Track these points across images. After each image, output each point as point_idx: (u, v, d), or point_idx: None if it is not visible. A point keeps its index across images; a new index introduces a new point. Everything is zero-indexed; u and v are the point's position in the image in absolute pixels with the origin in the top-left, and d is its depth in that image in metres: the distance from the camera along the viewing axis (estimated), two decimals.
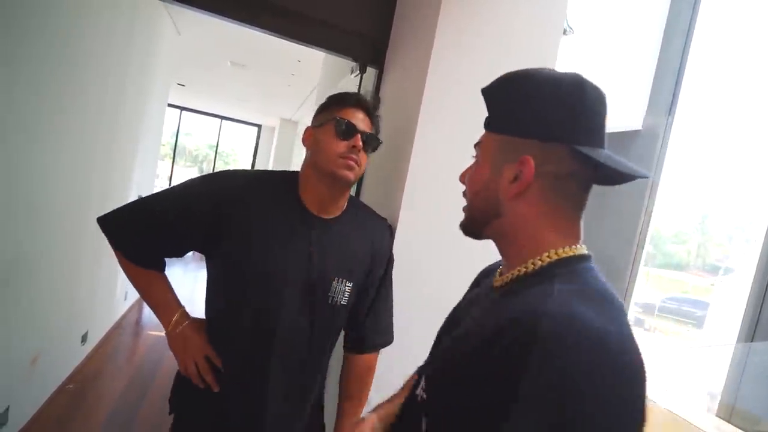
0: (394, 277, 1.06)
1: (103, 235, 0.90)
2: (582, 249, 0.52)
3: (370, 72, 1.42)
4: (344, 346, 1.03)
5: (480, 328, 0.50)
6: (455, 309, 0.69)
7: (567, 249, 0.51)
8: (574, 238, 0.52)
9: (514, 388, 0.40)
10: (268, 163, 8.68)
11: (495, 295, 0.55)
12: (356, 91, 1.45)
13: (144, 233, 0.88)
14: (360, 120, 0.91)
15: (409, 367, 1.17)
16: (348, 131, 0.88)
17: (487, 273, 0.71)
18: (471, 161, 1.16)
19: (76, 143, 2.12)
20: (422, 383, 0.56)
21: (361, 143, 0.88)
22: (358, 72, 1.42)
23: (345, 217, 0.94)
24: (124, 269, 0.93)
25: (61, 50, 1.79)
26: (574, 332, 0.40)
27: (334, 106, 0.92)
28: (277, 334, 0.87)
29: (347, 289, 0.92)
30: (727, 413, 2.75)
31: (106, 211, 0.89)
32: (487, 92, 0.57)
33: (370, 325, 1.00)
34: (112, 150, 2.69)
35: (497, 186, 0.53)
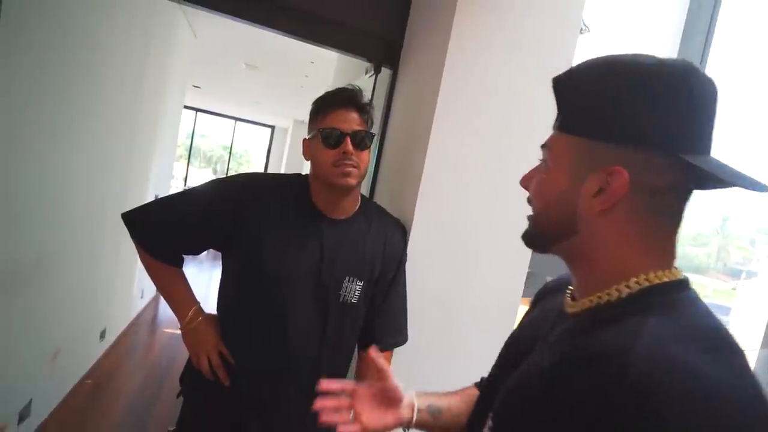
0: (408, 277, 1.06)
1: (121, 234, 0.93)
2: (678, 273, 0.44)
3: (385, 72, 1.43)
4: (358, 345, 1.03)
5: (558, 361, 0.43)
6: (519, 335, 0.61)
7: (660, 273, 0.42)
8: (669, 261, 0.44)
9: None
10: (281, 164, 8.76)
11: (569, 323, 0.48)
12: (371, 92, 1.46)
13: (164, 230, 0.92)
14: (347, 120, 0.89)
15: (423, 367, 1.17)
16: (334, 138, 0.87)
17: (551, 291, 0.63)
18: (486, 162, 1.16)
19: (97, 146, 2.17)
20: (489, 422, 0.49)
21: (351, 147, 0.87)
22: (373, 72, 1.43)
23: (357, 217, 0.96)
24: (143, 263, 0.96)
25: (81, 56, 1.84)
26: (671, 376, 0.33)
27: (319, 113, 0.91)
28: (289, 331, 0.89)
29: (358, 287, 0.93)
30: None
31: (123, 211, 0.93)
32: (561, 84, 0.48)
33: (382, 325, 1.01)
34: (131, 152, 2.75)
35: (576, 199, 0.45)
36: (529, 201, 0.52)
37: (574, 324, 0.47)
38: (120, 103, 2.40)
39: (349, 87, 0.94)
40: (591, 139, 0.44)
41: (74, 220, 2.07)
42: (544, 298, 0.63)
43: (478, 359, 1.21)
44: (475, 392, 0.70)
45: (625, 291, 0.43)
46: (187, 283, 0.98)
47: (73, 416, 2.16)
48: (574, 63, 1.28)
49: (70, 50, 1.73)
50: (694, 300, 0.42)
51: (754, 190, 0.40)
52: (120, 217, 0.93)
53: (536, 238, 0.51)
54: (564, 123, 0.47)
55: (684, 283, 0.43)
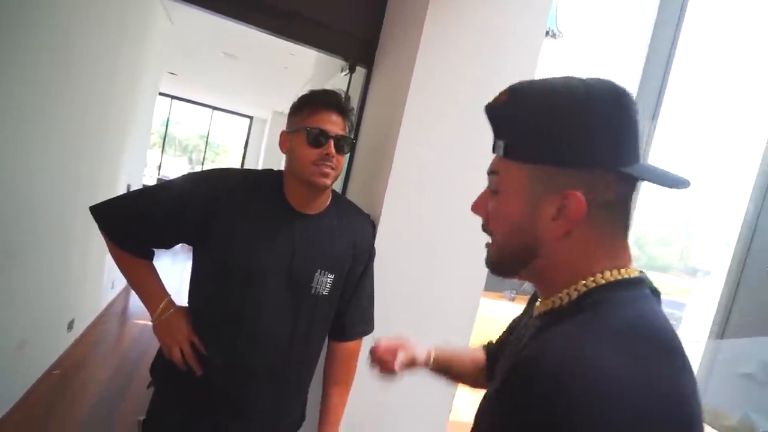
0: (375, 270, 1.11)
1: (92, 223, 0.93)
2: (632, 271, 0.45)
3: (359, 71, 1.46)
4: (329, 335, 1.08)
5: (513, 362, 0.46)
6: (507, 329, 0.71)
7: (608, 273, 0.44)
8: (623, 260, 0.46)
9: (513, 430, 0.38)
10: (259, 155, 8.64)
11: (534, 326, 0.50)
12: (345, 89, 1.50)
13: (135, 224, 0.92)
14: (332, 123, 0.92)
15: None
16: (319, 139, 0.90)
17: (519, 319, 0.70)
18: (453, 161, 1.22)
19: (68, 131, 2.12)
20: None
21: (333, 150, 0.90)
22: (348, 71, 1.46)
23: (328, 212, 0.99)
24: (113, 256, 0.97)
25: (51, 38, 1.79)
26: (572, 372, 0.35)
27: (305, 110, 0.93)
28: (261, 323, 0.92)
29: (329, 280, 0.97)
30: None
31: (96, 201, 0.93)
32: (497, 109, 0.49)
33: (351, 315, 1.06)
34: (102, 139, 2.68)
35: (535, 225, 0.46)
36: (484, 228, 0.52)
37: (536, 329, 0.49)
38: (92, 88, 2.34)
39: (335, 91, 0.97)
40: (540, 164, 0.45)
41: (44, 208, 2.02)
42: (523, 318, 0.66)
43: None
44: (482, 357, 0.79)
45: (574, 294, 0.45)
46: (158, 276, 0.99)
47: (38, 408, 2.12)
48: (541, 63, 1.34)
49: (40, 33, 1.69)
50: (628, 299, 0.43)
51: (677, 188, 0.43)
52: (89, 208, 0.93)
53: (501, 265, 0.51)
54: (510, 151, 0.47)
55: (629, 282, 0.44)
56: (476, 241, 1.28)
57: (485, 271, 1.32)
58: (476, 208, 0.53)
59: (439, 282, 1.26)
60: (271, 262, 0.92)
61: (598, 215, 0.44)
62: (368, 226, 1.09)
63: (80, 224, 2.45)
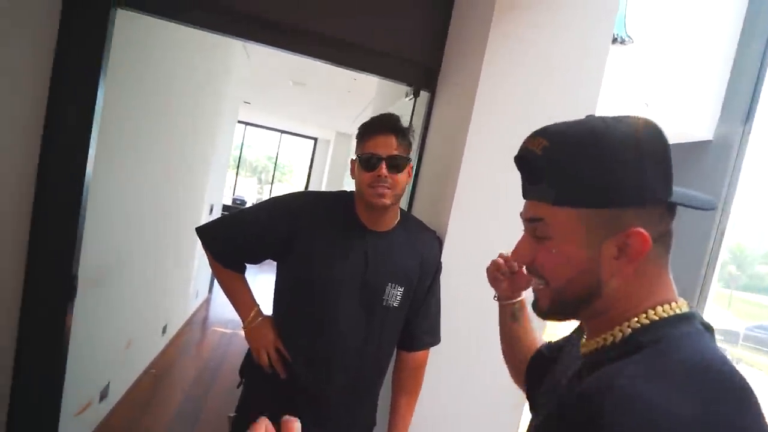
0: (442, 284, 1.16)
1: (180, 239, 1.10)
2: (680, 306, 0.46)
3: (423, 95, 1.55)
4: (398, 344, 1.14)
5: (558, 406, 0.47)
6: (551, 354, 0.66)
7: (660, 309, 0.45)
8: (671, 293, 0.47)
9: None
10: (323, 174, 9.08)
11: (579, 364, 0.51)
12: (410, 113, 1.59)
13: (232, 243, 1.07)
14: (384, 146, 0.99)
15: (454, 366, 1.26)
16: (371, 162, 0.98)
17: (563, 344, 0.68)
18: (514, 180, 1.24)
19: (163, 162, 2.46)
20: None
21: (385, 171, 0.97)
22: (412, 96, 1.55)
23: (397, 230, 1.08)
24: (213, 269, 1.12)
25: (155, 86, 2.11)
26: (641, 418, 0.36)
27: (361, 139, 1.03)
28: (337, 331, 1.01)
29: (399, 293, 1.04)
30: None
31: (187, 220, 1.10)
32: (540, 157, 0.48)
33: (420, 326, 1.11)
34: (192, 168, 3.05)
35: (598, 266, 0.46)
36: (536, 275, 0.51)
37: (581, 366, 0.50)
38: (185, 123, 2.69)
39: (389, 114, 1.05)
40: (597, 207, 0.45)
41: (144, 227, 2.35)
42: (567, 347, 0.64)
43: (503, 363, 1.28)
44: (537, 344, 0.77)
45: (627, 331, 0.46)
46: (249, 287, 1.12)
47: (140, 400, 2.42)
48: (606, 79, 1.32)
49: (146, 82, 2.01)
50: (687, 335, 0.43)
51: (705, 209, 0.45)
52: (181, 228, 1.09)
53: (561, 310, 0.51)
54: (561, 197, 0.47)
55: (683, 318, 0.45)
56: None
57: None
58: (520, 257, 0.52)
59: None
60: (346, 275, 1.01)
61: (656, 249, 0.45)
62: (435, 242, 1.15)
63: (172, 241, 2.79)
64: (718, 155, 3.39)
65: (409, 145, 1.05)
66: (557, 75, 1.24)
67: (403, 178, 1.02)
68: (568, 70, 1.24)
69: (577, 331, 0.64)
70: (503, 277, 0.79)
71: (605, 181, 0.45)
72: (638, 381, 0.38)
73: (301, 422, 1.05)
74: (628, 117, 0.46)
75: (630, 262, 0.45)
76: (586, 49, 1.25)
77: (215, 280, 1.16)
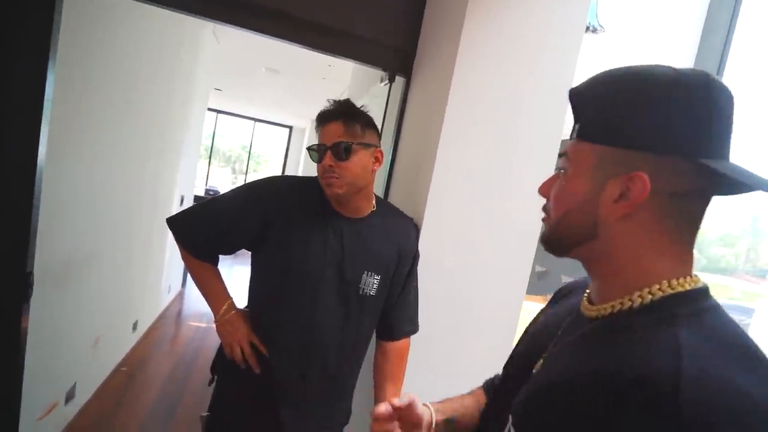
0: (419, 271, 1.15)
1: (152, 232, 1.05)
2: (698, 280, 0.44)
3: (399, 81, 1.52)
4: (377, 336, 1.13)
5: (580, 370, 0.43)
6: (534, 334, 0.61)
7: (682, 281, 0.43)
8: (689, 267, 0.45)
9: None
10: (299, 164, 8.94)
11: (586, 328, 0.48)
12: (386, 99, 1.56)
13: (204, 233, 1.03)
14: (330, 133, 0.96)
15: (432, 355, 1.27)
16: (316, 154, 0.98)
17: (567, 292, 0.64)
18: (492, 165, 1.24)
19: (133, 153, 2.34)
20: (510, 425, 0.49)
21: (329, 161, 0.95)
22: (387, 81, 1.52)
23: (373, 216, 1.06)
24: (185, 261, 1.08)
25: (120, 72, 1.99)
26: (721, 400, 0.34)
27: (316, 129, 1.01)
28: (315, 322, 0.99)
29: (376, 281, 1.03)
30: None
31: (156, 212, 1.05)
32: (578, 94, 0.49)
33: (398, 315, 1.11)
34: (161, 157, 2.92)
35: (597, 204, 0.46)
36: (545, 209, 0.52)
37: (592, 329, 0.47)
38: (153, 111, 2.56)
39: (341, 100, 1.01)
40: (612, 146, 0.45)
41: (112, 220, 2.24)
42: (561, 298, 0.63)
43: (484, 349, 1.30)
44: (482, 399, 0.70)
45: (648, 297, 0.43)
46: (222, 280, 1.08)
47: (111, 399, 2.34)
48: (579, 66, 1.34)
49: (111, 68, 1.89)
50: (717, 310, 0.42)
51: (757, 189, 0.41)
52: (151, 220, 1.03)
53: (556, 242, 0.51)
54: (584, 131, 0.47)
55: (705, 292, 0.43)
56: (517, 243, 1.30)
57: (528, 273, 1.33)
58: (543, 189, 0.53)
59: (481, 284, 1.28)
60: (322, 264, 0.99)
61: (663, 205, 0.43)
62: (412, 228, 1.13)
63: (143, 233, 2.68)
64: None
65: (368, 128, 1.00)
66: (533, 59, 1.23)
67: (355, 164, 0.96)
68: (544, 55, 1.24)
69: (550, 304, 0.64)
70: (392, 426, 0.63)
71: (623, 120, 0.44)
72: (709, 361, 0.37)
73: (278, 417, 1.02)
74: (696, 71, 0.43)
75: (626, 206, 0.44)
76: (562, 33, 1.25)
77: (189, 274, 1.11)
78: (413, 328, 1.15)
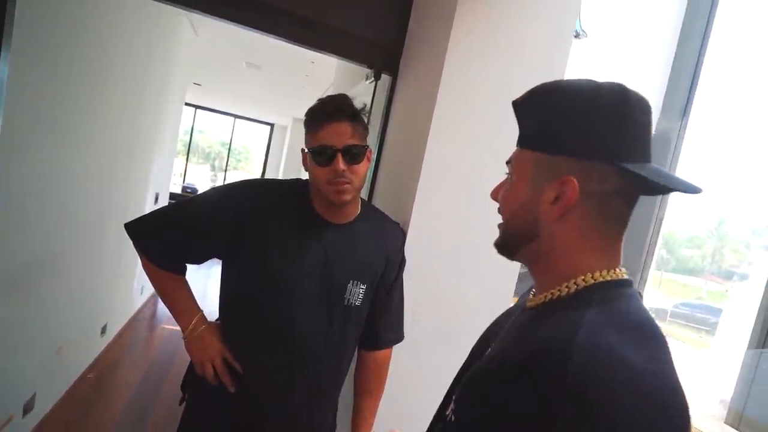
0: (404, 277, 1.10)
1: (121, 232, 0.94)
2: (622, 273, 0.49)
3: (385, 79, 1.47)
4: (359, 344, 1.07)
5: (509, 351, 0.48)
6: (488, 329, 0.66)
7: (605, 273, 0.48)
8: (615, 261, 0.49)
9: (547, 425, 0.38)
10: (280, 162, 8.78)
11: (526, 316, 0.53)
12: (371, 97, 1.50)
13: (168, 239, 0.93)
14: (337, 135, 0.87)
15: (418, 363, 1.22)
16: (326, 158, 0.87)
17: (527, 292, 0.68)
18: (481, 168, 1.20)
19: (102, 146, 2.21)
20: (452, 404, 0.53)
21: (343, 165, 0.86)
22: (373, 79, 1.47)
23: (359, 221, 0.99)
24: (146, 272, 0.97)
25: (89, 58, 1.87)
26: (605, 367, 0.38)
27: (310, 127, 0.90)
28: (295, 334, 0.92)
29: (361, 290, 0.96)
30: (736, 420, 2.74)
31: (128, 211, 0.96)
32: (518, 105, 0.54)
33: (383, 323, 1.05)
34: (134, 152, 2.78)
35: (536, 207, 0.50)
36: (499, 211, 0.57)
37: (528, 316, 0.52)
38: (124, 103, 2.43)
39: (339, 96, 0.92)
40: (546, 153, 0.50)
41: (81, 218, 2.11)
42: (522, 298, 0.67)
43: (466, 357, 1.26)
44: None
45: (573, 287, 0.48)
46: (190, 291, 0.99)
47: (75, 410, 2.20)
48: (570, 67, 1.32)
49: (77, 53, 1.77)
50: (629, 296, 0.47)
51: (687, 192, 0.46)
52: (123, 218, 0.94)
53: (504, 245, 0.56)
54: (522, 140, 0.53)
55: (624, 282, 0.48)
56: None
57: (515, 278, 1.30)
58: (493, 193, 0.58)
59: (468, 291, 1.24)
60: (303, 274, 0.91)
61: (592, 204, 0.48)
62: (398, 234, 1.08)
63: (113, 232, 2.54)
64: (659, 148, 3.63)
65: (365, 128, 0.95)
66: (523, 61, 1.20)
67: (363, 168, 0.92)
68: (534, 57, 1.21)
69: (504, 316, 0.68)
70: None
71: (553, 128, 0.49)
72: (601, 330, 0.41)
73: None
74: (611, 82, 0.48)
75: (560, 208, 0.48)
76: (553, 33, 1.22)
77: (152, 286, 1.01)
78: (397, 337, 1.10)
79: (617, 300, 0.46)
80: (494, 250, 1.27)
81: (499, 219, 0.57)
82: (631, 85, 0.52)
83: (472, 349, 0.66)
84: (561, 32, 1.25)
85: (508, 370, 0.45)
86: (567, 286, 0.49)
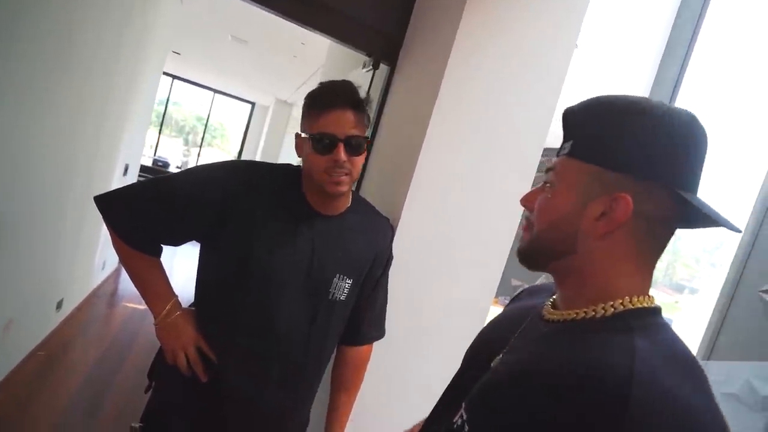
0: (390, 273, 1.07)
1: (87, 201, 0.86)
2: (653, 300, 0.48)
3: (383, 68, 1.42)
4: (340, 339, 1.04)
5: (532, 365, 0.47)
6: (491, 331, 0.63)
7: (642, 299, 0.46)
8: (648, 287, 0.48)
9: None
10: (259, 142, 8.54)
11: (548, 328, 0.51)
12: (368, 86, 1.45)
13: (145, 217, 0.86)
14: (342, 123, 0.84)
15: (396, 360, 1.20)
16: (328, 146, 0.83)
17: (530, 293, 0.67)
18: (478, 168, 1.18)
19: (65, 107, 2.04)
20: (462, 412, 0.50)
21: (344, 155, 0.83)
22: (371, 67, 1.42)
23: (349, 214, 0.95)
24: (118, 251, 0.90)
25: (54, 11, 1.72)
26: (669, 407, 0.37)
27: (312, 112, 0.86)
28: (276, 328, 0.88)
29: (347, 285, 0.93)
30: None
31: (92, 181, 0.87)
32: (573, 114, 0.51)
33: (366, 319, 1.02)
34: (102, 117, 2.60)
35: (579, 221, 0.48)
36: (528, 219, 0.54)
37: (552, 331, 0.49)
38: (95, 64, 2.26)
39: (344, 83, 0.88)
40: (600, 166, 0.47)
41: (37, 184, 1.95)
42: (525, 296, 0.66)
43: (448, 357, 1.25)
44: None
45: (610, 310, 0.46)
46: (165, 274, 0.92)
47: (21, 390, 2.06)
48: (566, 78, 1.31)
49: (43, 5, 1.62)
50: (665, 326, 0.46)
51: (731, 230, 0.45)
52: (87, 188, 0.86)
53: (534, 256, 0.53)
54: (575, 149, 0.50)
55: (659, 311, 0.47)
56: (492, 251, 1.26)
57: (498, 277, 1.30)
58: (526, 200, 0.54)
59: (452, 290, 1.23)
60: (289, 265, 0.87)
61: (640, 226, 0.46)
62: (388, 230, 1.05)
63: (74, 201, 2.38)
64: None
65: (368, 119, 0.91)
66: (525, 65, 1.19)
67: (362, 160, 0.88)
68: (536, 63, 1.20)
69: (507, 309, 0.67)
70: None
71: (617, 144, 0.47)
72: (658, 369, 0.39)
73: (228, 429, 0.89)
74: (685, 110, 0.47)
75: (607, 224, 0.46)
76: (556, 40, 1.21)
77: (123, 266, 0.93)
78: (379, 334, 1.08)
79: (656, 329, 0.44)
80: (481, 251, 1.26)
81: (502, 219, 0.54)
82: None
83: (469, 353, 0.63)
84: (565, 39, 1.24)
85: (539, 388, 0.43)
86: (603, 308, 0.46)
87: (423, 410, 1.29)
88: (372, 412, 1.18)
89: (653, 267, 0.49)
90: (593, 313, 0.47)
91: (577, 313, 0.48)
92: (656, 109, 0.46)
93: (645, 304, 0.46)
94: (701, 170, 0.47)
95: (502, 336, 0.56)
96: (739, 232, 0.49)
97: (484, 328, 0.66)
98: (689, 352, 0.43)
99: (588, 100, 0.50)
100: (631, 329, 0.43)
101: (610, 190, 0.46)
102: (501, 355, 0.53)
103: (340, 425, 1.03)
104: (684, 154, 0.45)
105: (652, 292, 0.49)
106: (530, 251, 0.53)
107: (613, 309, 0.46)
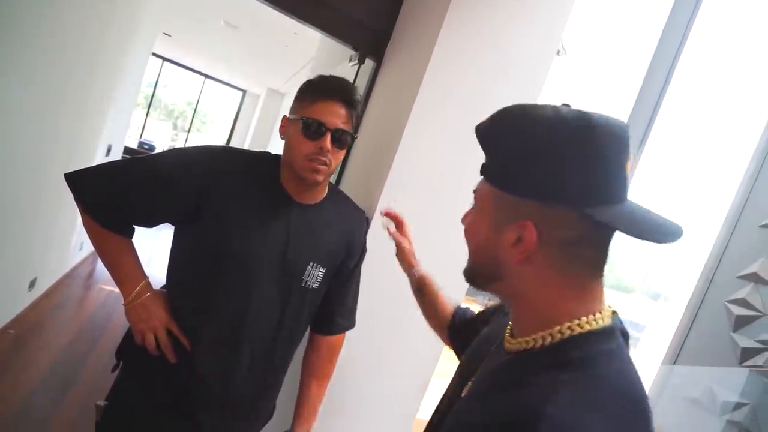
0: (364, 265, 1.10)
1: (61, 180, 0.85)
2: (606, 316, 0.44)
3: (368, 63, 1.44)
4: (311, 329, 1.06)
5: (486, 402, 0.46)
6: (474, 348, 0.62)
7: (589, 319, 0.43)
8: (596, 304, 0.45)
9: None
10: (249, 131, 8.46)
11: (502, 359, 0.49)
12: (353, 80, 1.47)
13: (117, 197, 0.85)
14: (333, 114, 0.86)
15: (367, 350, 1.23)
16: (315, 131, 0.85)
17: (494, 311, 0.68)
18: (454, 166, 1.21)
19: (48, 83, 2.00)
20: None
21: (329, 144, 0.85)
22: (357, 62, 1.43)
23: (324, 204, 0.96)
24: (88, 230, 0.89)
25: None
26: None
27: (307, 97, 0.88)
28: (248, 314, 0.89)
29: (320, 274, 0.94)
30: None
31: (72, 160, 0.87)
32: (480, 131, 0.48)
33: (338, 309, 1.04)
34: (87, 94, 2.55)
35: (497, 248, 0.46)
36: (465, 234, 0.53)
37: (503, 364, 0.48)
38: (81, 41, 2.22)
39: (344, 80, 0.91)
40: (505, 192, 0.45)
41: (17, 160, 1.91)
42: (504, 315, 0.64)
43: (420, 349, 1.29)
44: (449, 313, 0.86)
45: (548, 339, 0.44)
46: (137, 256, 0.92)
47: None
48: (549, 83, 1.34)
49: None
50: (611, 354, 0.42)
51: (656, 242, 0.40)
52: (66, 167, 0.85)
53: (473, 277, 0.52)
54: (486, 171, 0.48)
55: (606, 332, 0.43)
56: (463, 246, 1.29)
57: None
58: (463, 218, 0.54)
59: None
60: (263, 250, 0.88)
61: (555, 252, 0.43)
62: (363, 221, 1.07)
63: (54, 179, 2.34)
64: None
65: (356, 119, 0.93)
66: (506, 66, 1.21)
67: (342, 155, 0.91)
68: (516, 65, 1.23)
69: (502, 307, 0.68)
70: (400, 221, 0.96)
71: (513, 166, 0.44)
72: (575, 410, 0.37)
73: (195, 415, 0.92)
74: (578, 113, 0.41)
75: (521, 252, 0.44)
76: (537, 43, 1.24)
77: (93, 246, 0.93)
78: (350, 324, 1.10)
79: (598, 360, 0.42)
80: (455, 249, 1.31)
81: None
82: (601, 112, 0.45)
83: (463, 360, 0.63)
84: (546, 44, 1.26)
85: (491, 428, 0.42)
86: (550, 334, 0.44)
87: (394, 402, 1.32)
88: (340, 401, 1.21)
89: (595, 283, 0.45)
90: (541, 341, 0.44)
91: (527, 341, 0.46)
92: (545, 121, 0.42)
93: (591, 326, 0.43)
94: (614, 174, 0.42)
95: (475, 360, 0.56)
96: (668, 242, 0.40)
97: (483, 332, 0.64)
98: (632, 386, 0.41)
99: (493, 115, 0.47)
100: (567, 363, 0.41)
101: (519, 217, 0.43)
102: (469, 384, 0.52)
103: (309, 413, 1.05)
104: (582, 166, 0.41)
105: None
106: (469, 273, 0.52)
107: (551, 338, 0.44)
